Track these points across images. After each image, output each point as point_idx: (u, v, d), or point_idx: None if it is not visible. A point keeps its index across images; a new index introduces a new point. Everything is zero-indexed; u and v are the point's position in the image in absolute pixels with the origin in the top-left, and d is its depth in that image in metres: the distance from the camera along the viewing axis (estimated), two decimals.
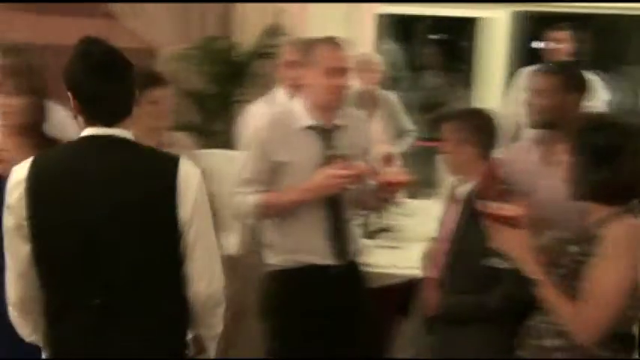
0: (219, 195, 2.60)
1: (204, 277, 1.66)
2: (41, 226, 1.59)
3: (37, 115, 2.19)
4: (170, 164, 1.63)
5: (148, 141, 2.46)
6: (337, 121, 2.39)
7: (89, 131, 1.62)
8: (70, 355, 1.66)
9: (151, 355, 1.64)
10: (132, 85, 1.66)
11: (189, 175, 1.63)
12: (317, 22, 4.14)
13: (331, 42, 2.35)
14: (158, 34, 4.39)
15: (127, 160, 1.62)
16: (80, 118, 1.64)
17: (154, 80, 2.38)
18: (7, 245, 1.64)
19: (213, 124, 4.10)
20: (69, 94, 1.62)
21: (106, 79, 1.59)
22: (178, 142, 2.53)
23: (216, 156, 3.09)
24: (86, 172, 1.59)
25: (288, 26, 4.12)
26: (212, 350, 1.84)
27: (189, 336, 1.77)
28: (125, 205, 1.58)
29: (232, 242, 2.94)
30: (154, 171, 1.63)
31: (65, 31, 5.42)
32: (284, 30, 4.08)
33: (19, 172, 1.60)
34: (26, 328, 1.73)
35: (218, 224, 2.61)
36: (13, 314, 1.71)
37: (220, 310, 1.77)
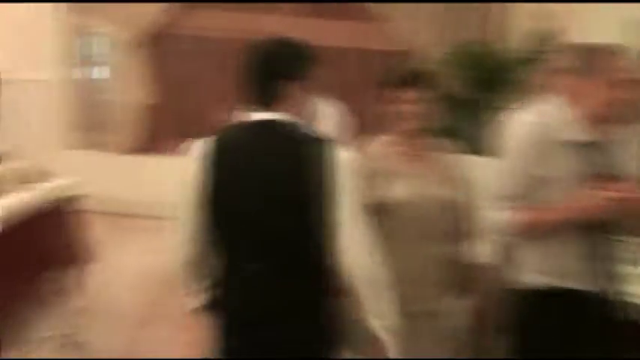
0: (471, 201, 2.56)
1: (350, 252, 1.74)
2: (215, 195, 1.79)
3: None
4: (323, 145, 1.76)
5: (403, 142, 2.51)
6: (608, 137, 2.21)
7: (256, 115, 1.82)
8: (233, 311, 1.86)
9: (299, 312, 1.81)
10: (293, 73, 1.81)
11: (340, 156, 1.75)
12: (586, 26, 3.86)
13: (615, 50, 2.17)
14: (419, 37, 4.45)
15: (284, 139, 1.78)
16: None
17: (407, 80, 2.41)
18: (183, 211, 1.85)
19: (464, 128, 4.05)
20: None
21: (267, 70, 1.81)
22: (441, 146, 2.54)
23: (466, 161, 3.04)
24: (252, 148, 1.78)
25: (555, 30, 3.90)
26: (390, 345, 1.80)
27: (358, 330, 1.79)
28: (279, 179, 1.75)
29: (481, 251, 2.87)
30: (308, 149, 1.76)
31: (329, 32, 5.79)
32: (554, 34, 3.87)
33: (203, 146, 1.81)
34: (192, 291, 1.93)
35: (469, 231, 2.58)
36: (182, 275, 1.92)
37: (384, 294, 1.78)
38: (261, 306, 1.82)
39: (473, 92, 4.03)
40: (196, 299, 1.94)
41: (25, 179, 3.77)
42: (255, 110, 1.82)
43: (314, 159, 1.73)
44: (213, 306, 1.90)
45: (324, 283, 1.79)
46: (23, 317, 3.80)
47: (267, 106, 1.81)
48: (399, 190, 2.46)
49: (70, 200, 4.07)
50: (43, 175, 3.94)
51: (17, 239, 3.50)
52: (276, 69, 1.80)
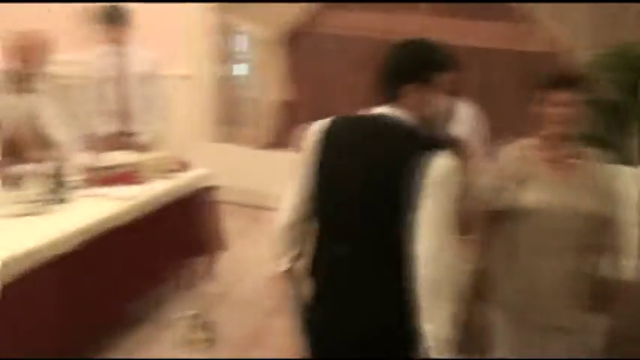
0: (616, 214, 2.38)
1: (421, 253, 1.75)
2: (322, 170, 1.95)
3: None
4: (423, 147, 1.80)
5: (546, 147, 2.38)
6: None
7: (373, 110, 1.93)
8: (318, 285, 1.98)
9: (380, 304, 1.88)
10: (415, 75, 1.88)
11: (437, 161, 1.76)
12: None
13: None
14: (569, 38, 4.21)
15: (388, 133, 1.88)
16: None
17: (560, 82, 2.29)
18: (294, 180, 2.03)
19: (614, 136, 3.78)
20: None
21: (390, 70, 1.91)
22: (586, 154, 2.40)
23: (614, 172, 2.83)
24: (358, 136, 1.91)
25: None
26: (434, 354, 1.75)
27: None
28: (376, 169, 1.84)
29: (624, 267, 2.68)
30: (407, 146, 1.83)
31: (470, 33, 5.63)
32: None
33: (321, 124, 1.97)
34: (285, 254, 2.08)
35: (612, 245, 2.40)
36: (279, 237, 2.08)
37: (445, 303, 1.75)
38: (342, 285, 1.93)
39: (625, 98, 3.76)
40: (285, 263, 2.08)
41: (166, 168, 3.96)
42: (377, 106, 1.93)
43: (409, 157, 1.79)
44: (303, 275, 2.04)
45: (403, 278, 1.82)
46: (160, 298, 4.01)
47: (387, 103, 1.90)
48: (532, 197, 2.34)
49: (207, 191, 4.23)
50: (183, 166, 4.13)
51: (157, 225, 3.69)
52: (398, 70, 1.89)
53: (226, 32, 6.18)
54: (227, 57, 6.29)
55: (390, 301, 1.87)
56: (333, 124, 1.97)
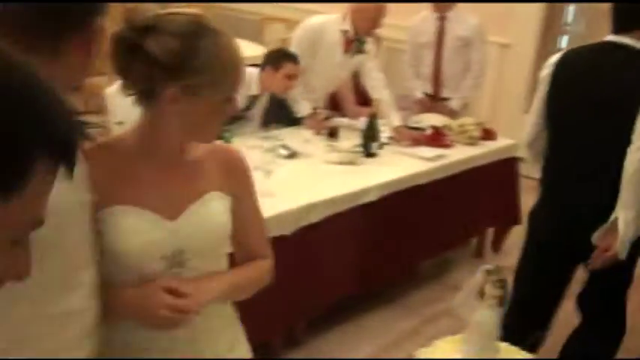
0: None
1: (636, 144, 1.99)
2: (556, 96, 2.27)
3: None
4: None
5: None
6: None
7: (610, 37, 2.11)
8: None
9: None
10: None
11: None
12: None
13: None
14: None
15: (622, 61, 2.03)
16: None
17: None
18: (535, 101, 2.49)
19: None
20: None
21: None
22: None
23: None
24: (593, 62, 2.11)
25: None
26: (620, 241, 2.07)
27: None
28: (609, 94, 2.05)
29: None
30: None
31: None
32: None
33: (552, 59, 2.32)
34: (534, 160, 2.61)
35: None
36: (524, 153, 2.76)
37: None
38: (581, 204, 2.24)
39: None
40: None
41: (472, 135, 3.99)
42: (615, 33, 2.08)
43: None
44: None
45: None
46: (448, 262, 4.12)
47: (625, 31, 2.03)
48: None
49: (510, 162, 4.16)
50: (489, 134, 4.11)
51: (456, 189, 3.77)
52: None
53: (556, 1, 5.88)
54: (552, 28, 6.00)
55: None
56: (571, 51, 2.27)
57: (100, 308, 1.27)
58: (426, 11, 4.64)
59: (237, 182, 1.47)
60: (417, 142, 3.80)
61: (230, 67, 1.32)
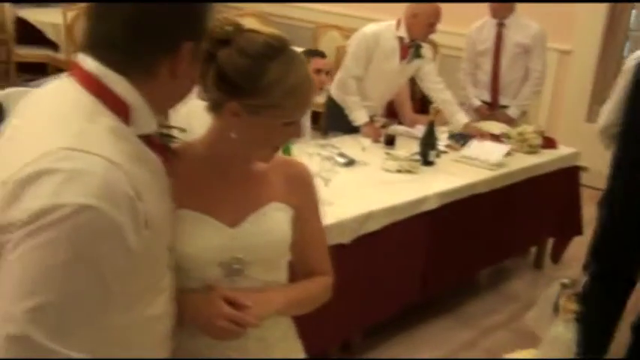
0: None
1: None
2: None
3: None
4: None
5: None
6: None
7: None
8: None
9: None
10: None
11: None
12: None
13: None
14: None
15: None
16: None
17: None
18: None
19: None
20: None
21: None
22: None
23: None
24: None
25: None
26: None
27: None
28: None
29: None
30: None
31: None
32: None
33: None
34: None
35: None
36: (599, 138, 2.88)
37: None
38: None
39: None
40: None
41: (532, 143, 3.90)
42: None
43: None
44: None
45: None
46: (506, 271, 4.04)
47: None
48: None
49: (571, 171, 4.06)
50: (550, 142, 4.02)
51: (515, 198, 3.69)
52: None
53: (621, 6, 5.70)
54: (616, 34, 5.82)
55: None
56: None
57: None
58: (484, 18, 4.58)
59: (301, 196, 1.47)
60: (484, 138, 3.79)
61: (295, 93, 1.32)
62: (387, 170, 3.32)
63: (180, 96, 1.22)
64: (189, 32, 1.14)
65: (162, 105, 1.19)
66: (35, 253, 0.97)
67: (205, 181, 1.39)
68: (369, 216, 2.82)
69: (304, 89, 1.34)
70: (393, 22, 3.84)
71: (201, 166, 1.39)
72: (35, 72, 6.52)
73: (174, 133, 1.31)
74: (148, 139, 1.16)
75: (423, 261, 3.18)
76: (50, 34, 6.44)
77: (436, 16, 3.77)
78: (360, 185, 3.09)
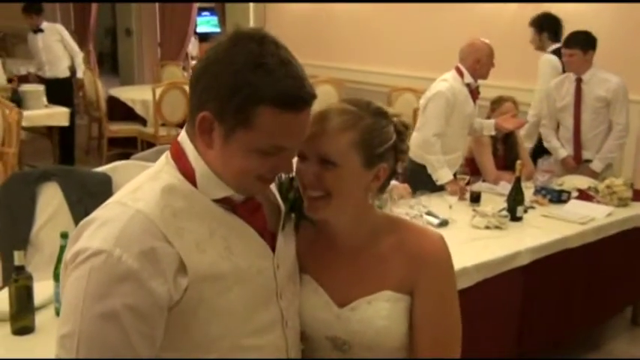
0: None
1: None
2: None
3: None
4: None
5: None
6: None
7: None
8: None
9: None
10: None
11: None
12: None
13: None
14: None
15: None
16: None
17: None
18: None
19: None
20: None
21: None
22: None
23: None
24: None
25: None
26: None
27: None
28: None
29: None
30: None
31: None
32: None
33: None
34: None
35: None
36: None
37: None
38: None
39: None
40: None
41: (621, 196, 3.83)
42: None
43: None
44: None
45: None
46: (605, 331, 3.90)
47: None
48: None
49: None
50: (637, 195, 3.94)
51: (608, 253, 3.60)
52: None
53: None
54: None
55: None
56: None
57: None
58: (561, 74, 4.60)
59: (422, 279, 1.42)
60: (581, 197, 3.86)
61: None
62: (476, 227, 3.33)
63: (232, 171, 1.21)
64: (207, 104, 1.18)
65: (224, 175, 1.22)
66: (68, 287, 1.14)
67: (331, 253, 1.45)
68: (461, 272, 2.82)
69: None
70: (452, 74, 3.98)
71: (332, 237, 1.46)
72: (124, 146, 6.89)
73: None
74: (231, 202, 1.25)
75: (515, 317, 3.13)
76: (139, 110, 6.83)
77: (493, 52, 3.97)
78: (451, 242, 3.08)
